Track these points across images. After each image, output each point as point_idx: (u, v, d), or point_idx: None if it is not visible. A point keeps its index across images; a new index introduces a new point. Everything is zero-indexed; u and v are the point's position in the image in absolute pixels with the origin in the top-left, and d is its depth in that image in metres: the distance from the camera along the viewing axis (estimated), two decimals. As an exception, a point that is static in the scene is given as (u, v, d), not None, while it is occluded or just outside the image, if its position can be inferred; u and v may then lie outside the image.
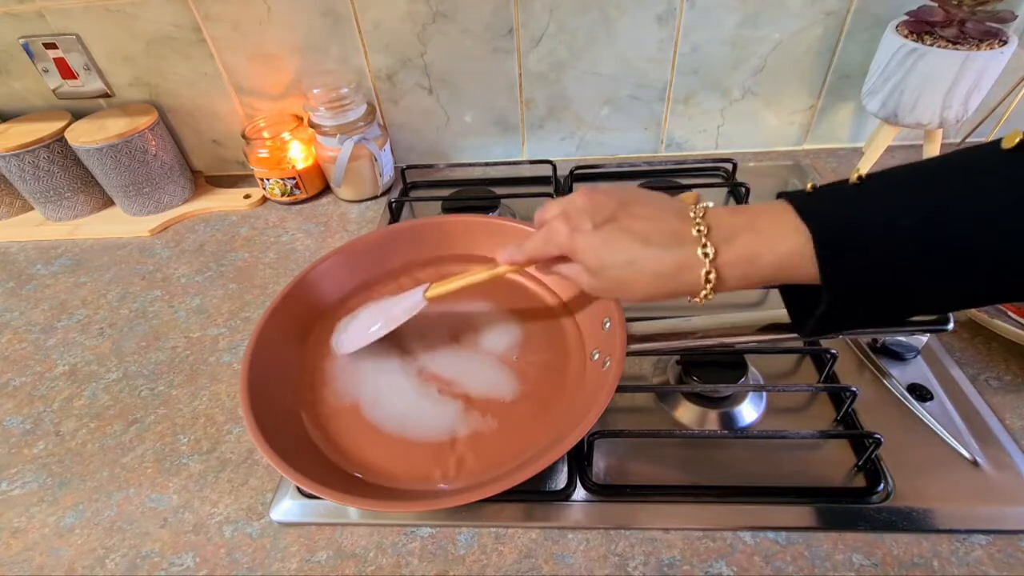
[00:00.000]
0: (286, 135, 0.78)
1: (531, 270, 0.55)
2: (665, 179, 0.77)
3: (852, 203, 0.31)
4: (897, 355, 0.51)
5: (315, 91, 0.74)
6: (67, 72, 0.79)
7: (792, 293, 0.36)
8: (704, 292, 0.34)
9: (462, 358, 0.52)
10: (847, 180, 0.32)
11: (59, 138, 0.76)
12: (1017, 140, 0.27)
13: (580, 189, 0.39)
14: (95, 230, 0.81)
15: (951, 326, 0.41)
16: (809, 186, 0.33)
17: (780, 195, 0.34)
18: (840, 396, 0.48)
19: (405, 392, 0.49)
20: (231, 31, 0.74)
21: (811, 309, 0.32)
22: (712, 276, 0.33)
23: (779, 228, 0.32)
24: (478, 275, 0.46)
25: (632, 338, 0.45)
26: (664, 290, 0.35)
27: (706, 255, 0.33)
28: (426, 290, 0.48)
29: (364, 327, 0.51)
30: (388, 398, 0.49)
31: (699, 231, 0.33)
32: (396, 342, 0.53)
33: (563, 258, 0.39)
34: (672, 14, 0.70)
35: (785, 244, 0.31)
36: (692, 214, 0.34)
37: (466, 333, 0.54)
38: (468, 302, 0.56)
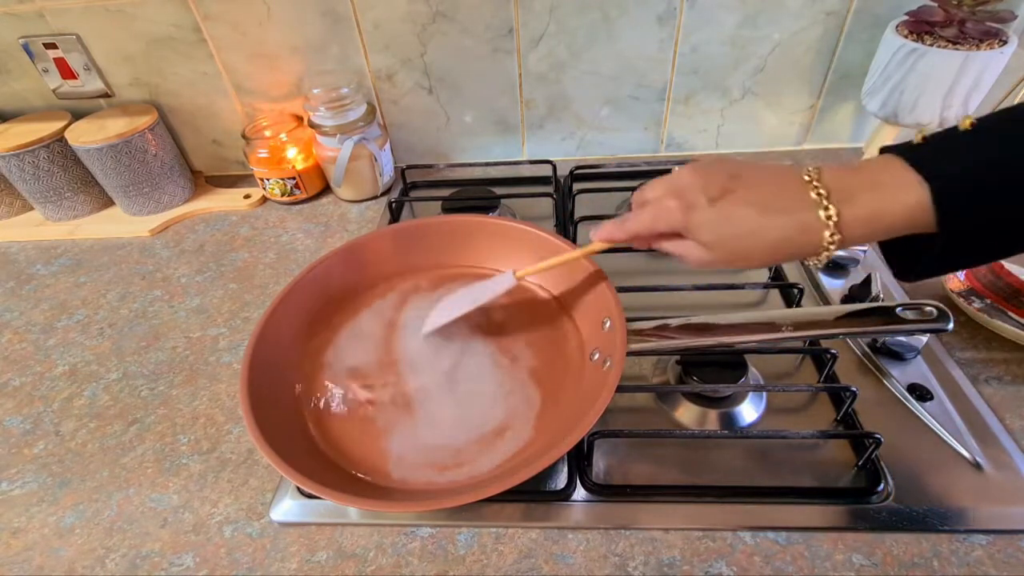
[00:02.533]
0: (286, 135, 0.78)
1: (535, 279, 0.56)
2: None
3: (968, 151, 0.31)
4: (897, 355, 0.51)
5: (315, 91, 0.74)
6: (67, 72, 0.79)
7: (892, 241, 0.36)
8: (826, 253, 0.34)
9: (462, 358, 0.52)
10: (956, 127, 0.32)
11: (59, 138, 0.76)
12: None
13: (683, 167, 0.39)
14: (95, 230, 0.81)
15: (951, 326, 0.41)
16: (918, 137, 0.33)
17: (884, 149, 0.34)
18: (840, 396, 0.48)
19: (405, 392, 0.49)
20: (231, 31, 0.74)
21: (916, 253, 0.34)
22: (836, 237, 0.33)
23: (899, 184, 0.32)
24: (570, 254, 0.48)
25: (632, 338, 0.45)
26: (783, 255, 0.37)
27: (829, 217, 0.33)
28: (516, 271, 0.50)
29: (449, 307, 0.52)
30: (388, 399, 0.49)
31: (819, 194, 0.34)
32: (396, 343, 0.53)
33: (667, 235, 0.39)
34: (672, 14, 0.70)
35: (906, 200, 0.32)
36: (807, 176, 0.35)
37: (465, 334, 0.54)
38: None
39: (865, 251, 0.60)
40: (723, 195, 0.36)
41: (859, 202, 0.33)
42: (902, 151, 0.33)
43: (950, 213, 0.31)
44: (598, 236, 0.44)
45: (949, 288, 0.55)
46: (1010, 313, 0.53)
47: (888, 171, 0.33)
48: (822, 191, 0.34)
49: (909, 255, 0.35)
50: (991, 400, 0.48)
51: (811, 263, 0.36)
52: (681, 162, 0.79)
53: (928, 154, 0.32)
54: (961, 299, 0.54)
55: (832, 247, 0.34)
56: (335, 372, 0.52)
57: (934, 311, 0.42)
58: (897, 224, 0.33)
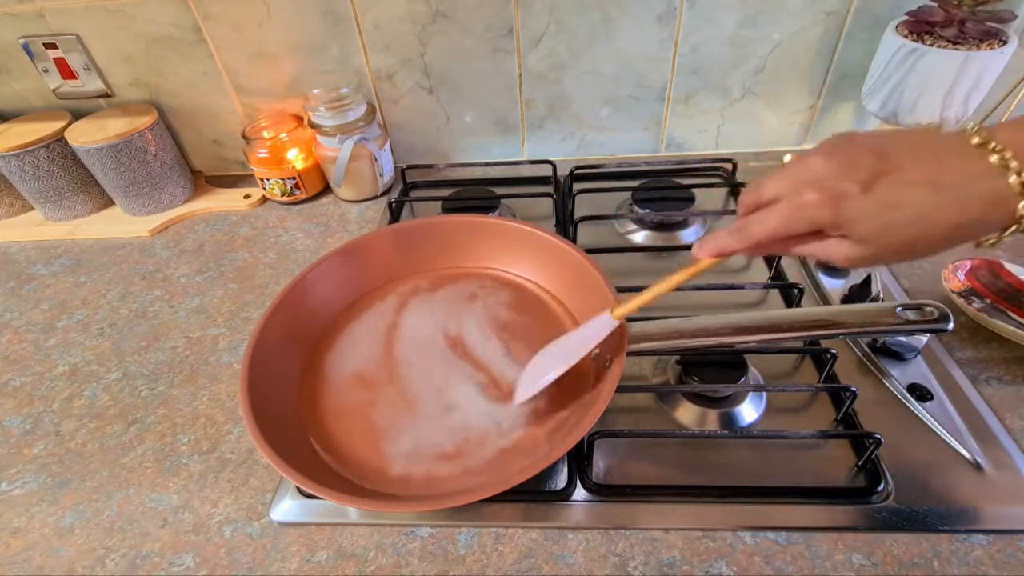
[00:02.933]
0: (286, 135, 0.78)
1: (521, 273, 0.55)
2: (665, 179, 0.77)
3: None
4: (897, 355, 0.51)
5: (315, 91, 0.74)
6: (67, 72, 0.79)
7: None
8: (1017, 227, 0.29)
9: (462, 359, 0.52)
10: None
11: (59, 138, 0.76)
12: None
13: (808, 154, 0.33)
14: (95, 230, 0.81)
15: (951, 326, 0.41)
16: None
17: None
18: (840, 396, 0.48)
19: (405, 392, 0.49)
20: (231, 31, 0.74)
21: None
22: None
23: None
24: (675, 277, 0.39)
25: (632, 338, 0.45)
26: (961, 238, 0.30)
27: (1022, 183, 0.28)
28: (612, 311, 0.42)
29: (543, 369, 0.45)
30: (388, 399, 0.49)
31: (1002, 158, 0.28)
32: (396, 343, 0.53)
33: (803, 236, 0.33)
34: (672, 14, 0.70)
35: None
36: (977, 140, 0.29)
37: (465, 335, 0.54)
38: (468, 303, 0.56)
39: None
40: (876, 178, 0.30)
41: None
42: None
43: None
44: (707, 251, 0.37)
45: (949, 288, 0.56)
46: (1010, 313, 0.52)
47: None
48: (1006, 153, 0.28)
49: None
50: (991, 400, 0.48)
51: (989, 243, 0.31)
52: (681, 162, 0.79)
53: None
54: (961, 299, 0.54)
55: None
56: (335, 372, 0.52)
57: (934, 311, 0.42)
58: None
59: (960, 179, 0.29)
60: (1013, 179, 0.28)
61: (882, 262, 0.33)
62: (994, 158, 0.28)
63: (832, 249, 0.33)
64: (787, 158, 0.34)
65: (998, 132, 0.29)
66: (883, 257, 0.32)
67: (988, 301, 0.54)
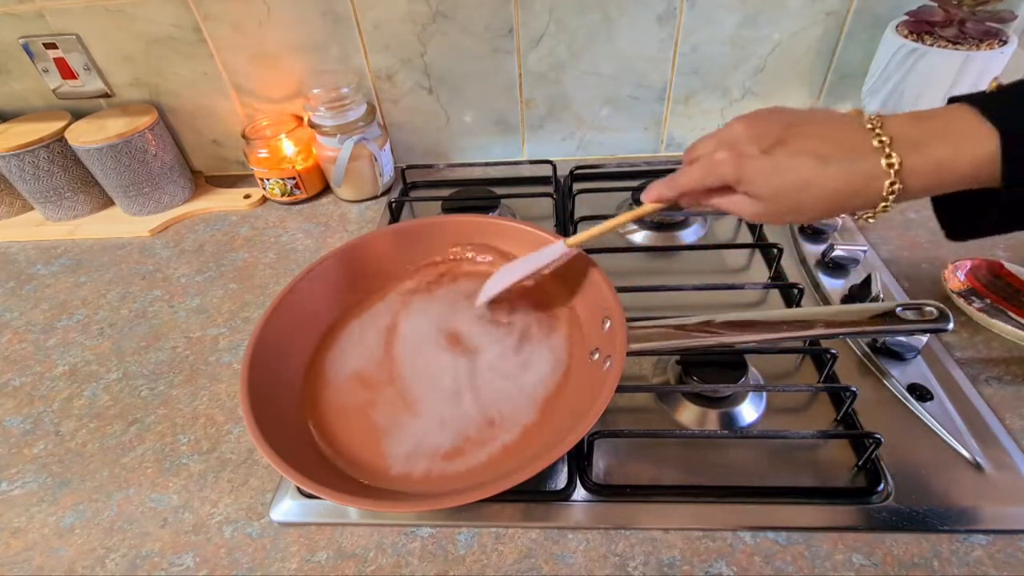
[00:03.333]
0: (286, 135, 0.78)
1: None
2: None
3: None
4: (897, 355, 0.51)
5: (315, 91, 0.74)
6: (67, 72, 0.79)
7: (946, 198, 0.35)
8: (884, 204, 0.33)
9: (462, 359, 0.52)
10: None
11: (59, 138, 0.76)
12: None
13: (736, 118, 0.37)
14: (95, 230, 0.81)
15: (951, 326, 0.41)
16: (992, 85, 0.32)
17: (953, 99, 0.33)
18: (840, 396, 0.48)
19: (406, 392, 0.49)
20: (231, 31, 0.74)
21: (970, 212, 0.33)
22: (896, 187, 0.32)
23: (969, 134, 0.31)
24: (620, 218, 0.45)
25: (633, 338, 0.45)
26: (839, 207, 0.35)
27: (891, 166, 0.32)
28: (566, 239, 0.49)
29: (502, 278, 0.51)
30: (388, 399, 0.49)
31: (880, 141, 0.32)
32: (396, 342, 0.53)
33: (718, 190, 0.38)
34: (672, 14, 0.70)
35: (975, 151, 0.30)
36: (869, 125, 0.33)
37: (465, 334, 0.54)
38: (468, 302, 0.56)
39: (865, 251, 0.60)
40: (777, 145, 0.35)
41: (925, 151, 0.32)
42: (975, 100, 0.32)
43: (1017, 168, 0.29)
44: (647, 197, 0.42)
45: (949, 288, 0.56)
46: (1010, 313, 0.53)
47: (959, 120, 0.31)
48: (884, 138, 0.32)
49: (963, 213, 0.34)
50: (991, 400, 0.48)
51: (865, 217, 0.35)
52: (681, 162, 0.79)
53: (1004, 104, 0.31)
54: (961, 299, 0.54)
55: (891, 197, 0.33)
56: (336, 372, 0.52)
57: (934, 311, 0.42)
58: (963, 177, 0.31)
59: (845, 155, 0.33)
60: (883, 161, 0.32)
61: (777, 219, 0.37)
62: (875, 142, 0.33)
63: (736, 203, 0.38)
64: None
65: (889, 120, 0.33)
66: (777, 213, 0.36)
67: (988, 301, 0.54)
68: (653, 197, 0.42)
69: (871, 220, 0.35)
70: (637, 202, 0.70)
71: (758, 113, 0.37)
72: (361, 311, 0.57)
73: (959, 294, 0.55)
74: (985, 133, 0.30)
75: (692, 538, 0.41)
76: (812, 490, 0.43)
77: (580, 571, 0.40)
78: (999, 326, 0.52)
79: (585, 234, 0.47)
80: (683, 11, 0.69)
